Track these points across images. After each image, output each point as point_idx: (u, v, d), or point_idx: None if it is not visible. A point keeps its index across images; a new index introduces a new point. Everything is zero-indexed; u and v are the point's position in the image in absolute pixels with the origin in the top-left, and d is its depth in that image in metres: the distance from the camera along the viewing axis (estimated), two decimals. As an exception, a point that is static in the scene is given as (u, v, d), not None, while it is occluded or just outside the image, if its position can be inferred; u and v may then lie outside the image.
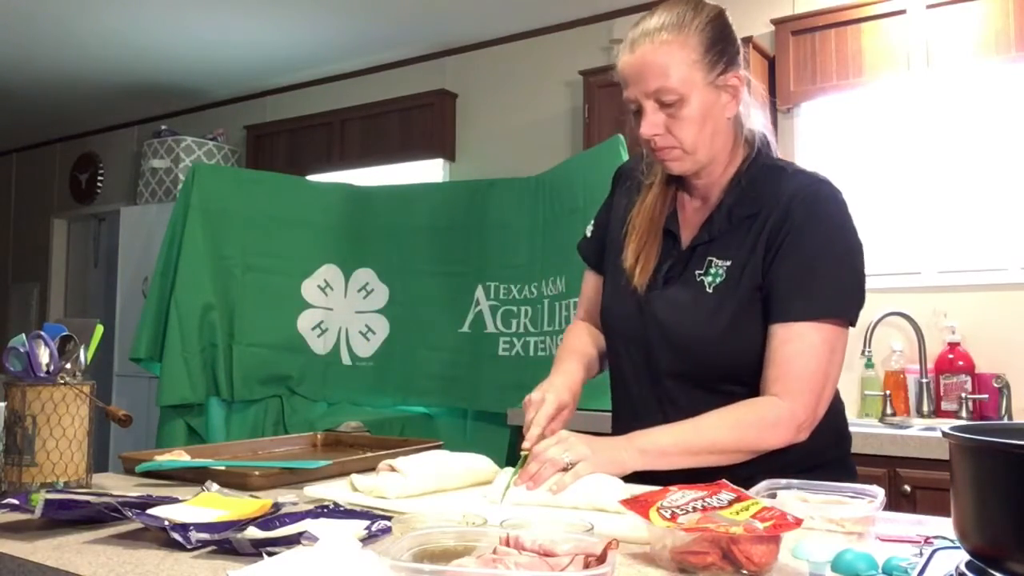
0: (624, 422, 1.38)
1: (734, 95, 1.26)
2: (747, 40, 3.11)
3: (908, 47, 2.83)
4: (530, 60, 4.05)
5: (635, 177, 1.44)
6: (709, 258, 1.28)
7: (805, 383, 1.21)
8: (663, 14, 1.24)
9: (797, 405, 1.20)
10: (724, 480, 0.98)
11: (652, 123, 1.24)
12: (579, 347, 1.47)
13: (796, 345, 1.21)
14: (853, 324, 1.26)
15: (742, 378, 1.27)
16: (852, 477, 1.35)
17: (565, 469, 1.16)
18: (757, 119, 1.32)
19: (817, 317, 1.21)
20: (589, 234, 1.53)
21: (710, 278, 1.27)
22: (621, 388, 1.42)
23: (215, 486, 1.20)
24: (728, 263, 1.27)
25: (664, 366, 1.32)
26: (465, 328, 3.54)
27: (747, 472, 1.18)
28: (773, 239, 1.24)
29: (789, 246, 1.23)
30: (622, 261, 1.37)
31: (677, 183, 1.37)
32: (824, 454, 1.30)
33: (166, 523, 0.96)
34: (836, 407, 1.35)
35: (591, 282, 1.52)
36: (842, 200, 1.29)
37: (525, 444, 1.24)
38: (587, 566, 0.75)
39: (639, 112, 1.26)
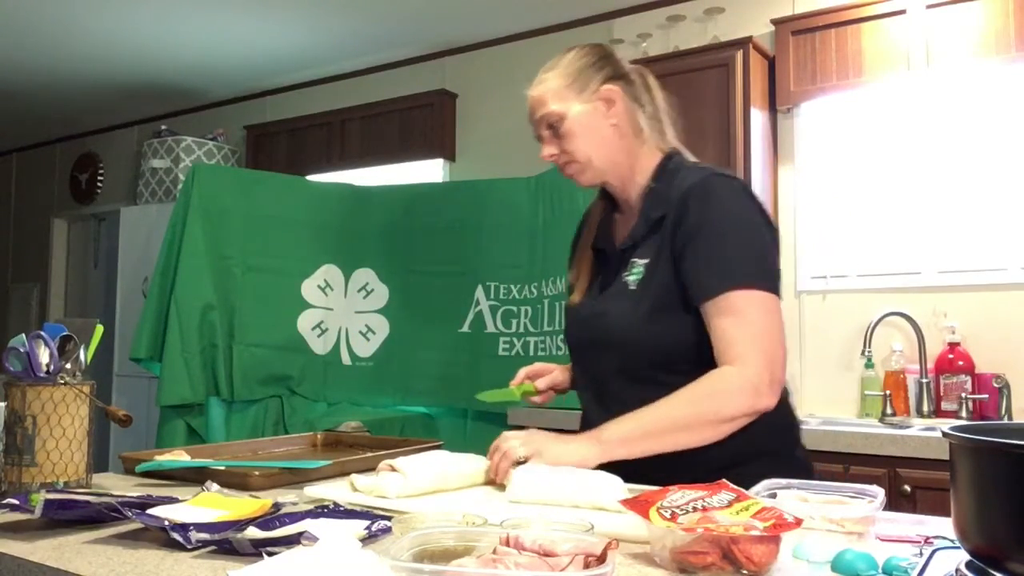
0: (584, 428, 1.45)
1: (610, 103, 1.42)
2: (747, 40, 3.11)
3: (908, 47, 2.83)
4: (530, 60, 4.02)
5: (589, 212, 1.60)
6: (632, 259, 1.41)
7: (750, 346, 1.26)
8: (545, 66, 1.46)
9: (748, 368, 1.25)
10: (724, 480, 0.98)
11: (547, 145, 1.44)
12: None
13: (728, 316, 1.28)
14: (775, 293, 1.31)
15: (677, 367, 1.32)
16: (803, 471, 1.34)
17: (520, 463, 1.24)
18: (667, 131, 1.48)
19: (736, 286, 1.28)
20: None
21: (632, 277, 1.38)
22: (580, 396, 1.52)
23: (215, 486, 1.20)
24: (646, 260, 1.38)
25: (604, 365, 1.41)
26: (465, 328, 3.54)
27: (696, 460, 1.24)
28: (676, 232, 1.34)
29: (692, 235, 1.32)
30: (569, 285, 1.55)
31: (610, 206, 1.52)
32: (767, 443, 1.33)
33: (166, 523, 0.96)
34: (781, 397, 1.37)
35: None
36: (736, 186, 1.38)
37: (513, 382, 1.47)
38: (587, 566, 0.75)
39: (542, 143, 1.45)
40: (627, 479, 1.18)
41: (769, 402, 1.26)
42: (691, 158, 1.46)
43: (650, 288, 1.35)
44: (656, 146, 1.46)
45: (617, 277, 1.42)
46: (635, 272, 1.38)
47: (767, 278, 1.30)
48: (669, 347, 1.33)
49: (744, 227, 1.33)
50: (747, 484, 1.10)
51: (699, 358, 1.30)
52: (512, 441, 1.27)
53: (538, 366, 1.58)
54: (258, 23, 4.04)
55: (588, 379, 1.48)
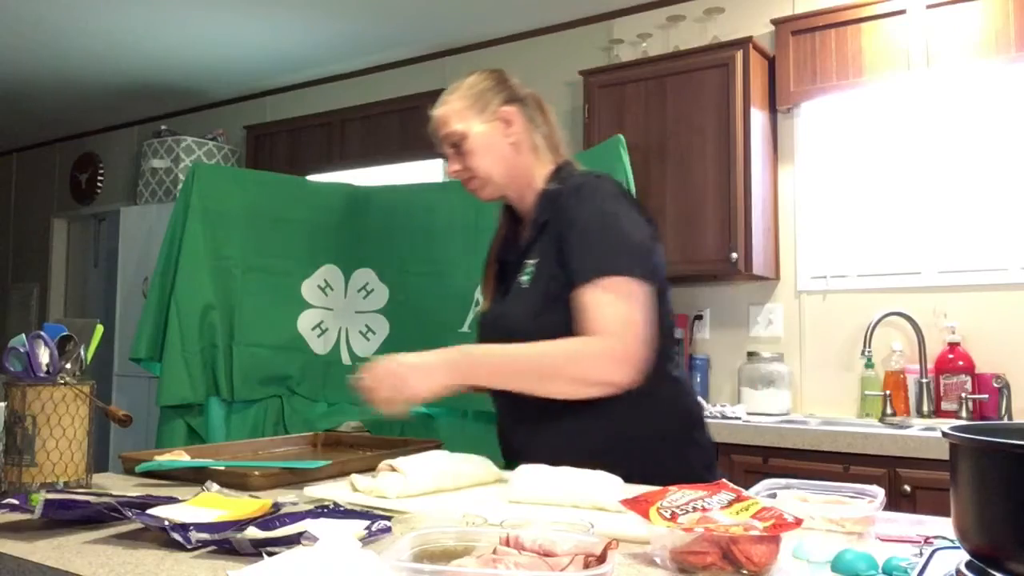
0: (500, 426, 1.61)
1: (508, 123, 1.55)
2: (747, 40, 3.11)
3: (908, 47, 2.83)
4: (530, 60, 4.05)
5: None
6: (525, 262, 1.52)
7: (610, 325, 1.36)
8: (447, 88, 1.61)
9: (609, 339, 1.35)
10: (724, 480, 0.98)
11: (451, 163, 1.57)
12: None
13: (591, 302, 1.38)
14: (644, 279, 1.40)
15: None
16: (705, 454, 1.51)
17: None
18: (558, 146, 1.62)
19: (598, 276, 1.38)
20: None
21: (525, 277, 1.50)
22: (493, 395, 1.60)
23: (215, 486, 1.20)
24: (536, 261, 1.49)
25: None
26: (465, 328, 3.53)
27: (581, 447, 1.36)
28: (556, 232, 1.46)
29: (566, 230, 1.44)
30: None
31: (515, 221, 1.63)
32: (662, 426, 1.45)
33: (166, 523, 0.96)
34: (682, 388, 1.52)
35: None
36: (605, 187, 1.49)
37: None
38: (587, 566, 0.75)
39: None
40: (516, 452, 1.37)
41: (625, 378, 1.34)
42: (580, 168, 1.58)
43: (540, 285, 1.47)
44: (550, 161, 1.58)
45: (514, 281, 1.53)
46: (527, 272, 1.49)
47: (632, 266, 1.40)
48: (562, 337, 1.41)
49: (610, 221, 1.43)
50: (643, 464, 1.32)
51: None
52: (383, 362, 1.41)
53: None
54: (258, 23, 4.04)
55: None
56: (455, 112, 1.55)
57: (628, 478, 1.24)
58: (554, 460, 1.25)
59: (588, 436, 1.40)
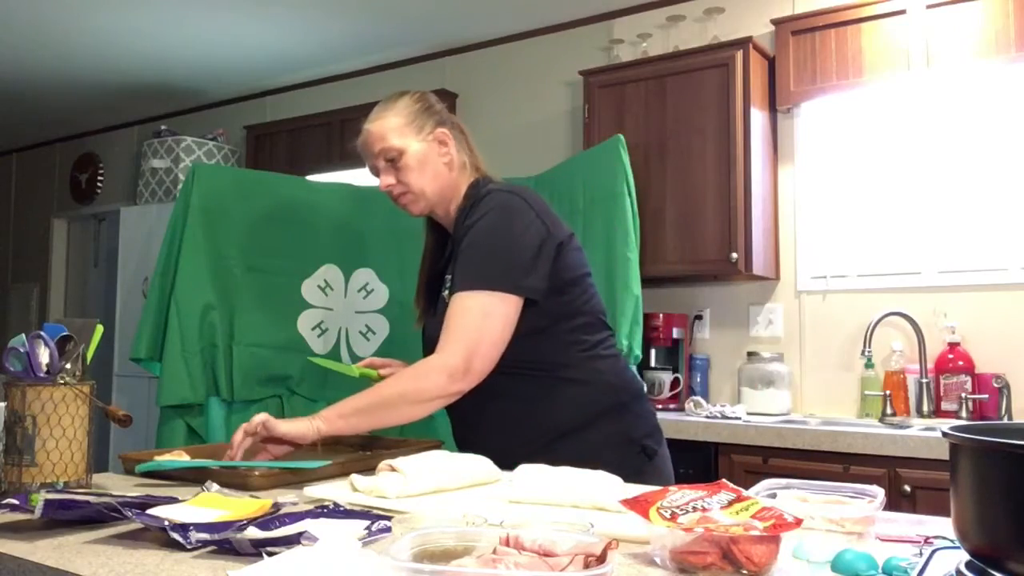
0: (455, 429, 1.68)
1: (443, 144, 1.64)
2: (747, 40, 3.11)
3: (908, 47, 2.83)
4: (530, 60, 4.05)
5: None
6: (445, 276, 1.62)
7: (456, 337, 1.46)
8: (378, 105, 1.67)
9: (447, 355, 1.45)
10: (724, 480, 0.98)
11: (384, 177, 1.64)
12: None
13: (451, 311, 1.49)
14: (514, 293, 1.48)
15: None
16: (649, 421, 1.63)
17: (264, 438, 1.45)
18: (477, 163, 1.69)
19: (466, 287, 1.48)
20: None
21: (446, 290, 1.59)
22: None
23: (215, 486, 1.20)
24: (451, 275, 1.57)
25: None
26: (465, 328, 3.53)
27: (513, 443, 1.48)
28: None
29: (459, 244, 1.55)
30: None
31: (442, 235, 1.71)
32: (589, 405, 1.55)
33: (166, 523, 0.96)
34: (612, 366, 1.61)
35: None
36: (497, 200, 1.55)
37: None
38: (587, 566, 0.75)
39: (378, 174, 1.65)
40: (476, 445, 1.45)
41: (463, 386, 1.46)
42: (495, 183, 1.64)
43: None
44: (471, 177, 1.66)
45: (440, 295, 1.63)
46: (448, 286, 1.59)
47: (500, 281, 1.47)
48: None
49: (493, 238, 1.51)
50: (586, 440, 1.50)
51: (514, 355, 1.49)
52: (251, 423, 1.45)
53: (381, 360, 1.80)
54: (258, 23, 4.04)
55: None
56: (393, 128, 1.61)
57: (580, 453, 1.36)
58: (501, 456, 1.37)
59: (526, 428, 1.53)
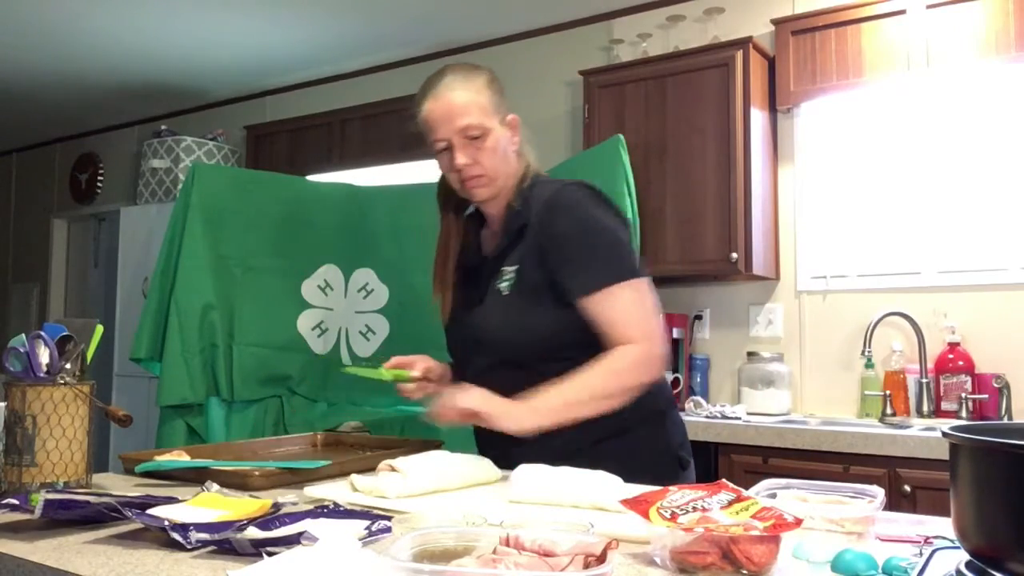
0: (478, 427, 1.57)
1: (515, 131, 1.58)
2: (747, 40, 3.11)
3: (908, 47, 2.83)
4: (530, 60, 4.05)
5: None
6: (502, 268, 1.54)
7: (640, 328, 1.44)
8: (453, 73, 1.54)
9: (645, 344, 1.43)
10: (724, 480, 0.98)
11: (465, 155, 1.51)
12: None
13: (608, 312, 1.44)
14: (642, 275, 1.48)
15: (556, 355, 1.47)
16: (681, 429, 1.60)
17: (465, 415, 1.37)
18: (533, 154, 1.63)
19: (605, 285, 1.44)
20: None
21: (504, 284, 1.52)
22: None
23: (215, 486, 1.20)
24: (515, 267, 1.52)
25: (490, 360, 1.52)
26: (465, 328, 3.53)
27: (568, 441, 1.39)
28: (538, 239, 1.50)
29: (554, 243, 1.48)
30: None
31: (473, 225, 1.66)
32: (646, 407, 1.49)
33: (166, 523, 0.96)
34: (656, 386, 1.53)
35: None
36: (583, 195, 1.52)
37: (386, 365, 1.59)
38: (587, 566, 0.75)
39: (448, 150, 1.53)
40: (531, 453, 1.33)
41: (659, 373, 1.46)
42: (542, 172, 1.61)
43: (522, 292, 1.50)
44: (525, 167, 1.61)
45: (490, 286, 1.55)
46: (506, 279, 1.52)
47: (629, 268, 1.46)
48: (546, 339, 1.48)
49: (598, 229, 1.48)
50: (627, 449, 1.46)
51: (575, 345, 1.45)
52: (455, 395, 1.39)
53: (407, 358, 1.67)
54: (258, 23, 4.04)
55: (478, 378, 1.52)
56: (479, 105, 1.51)
57: (619, 460, 1.34)
58: (540, 457, 1.29)
59: (568, 430, 1.42)
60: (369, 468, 1.35)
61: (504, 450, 1.44)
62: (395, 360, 1.64)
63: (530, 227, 1.51)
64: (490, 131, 1.51)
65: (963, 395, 2.76)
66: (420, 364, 1.64)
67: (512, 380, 1.44)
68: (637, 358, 1.43)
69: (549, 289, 1.47)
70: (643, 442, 1.51)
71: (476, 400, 1.38)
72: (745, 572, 0.83)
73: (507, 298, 1.51)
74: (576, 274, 1.46)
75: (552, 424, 1.38)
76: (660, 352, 1.45)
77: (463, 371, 1.61)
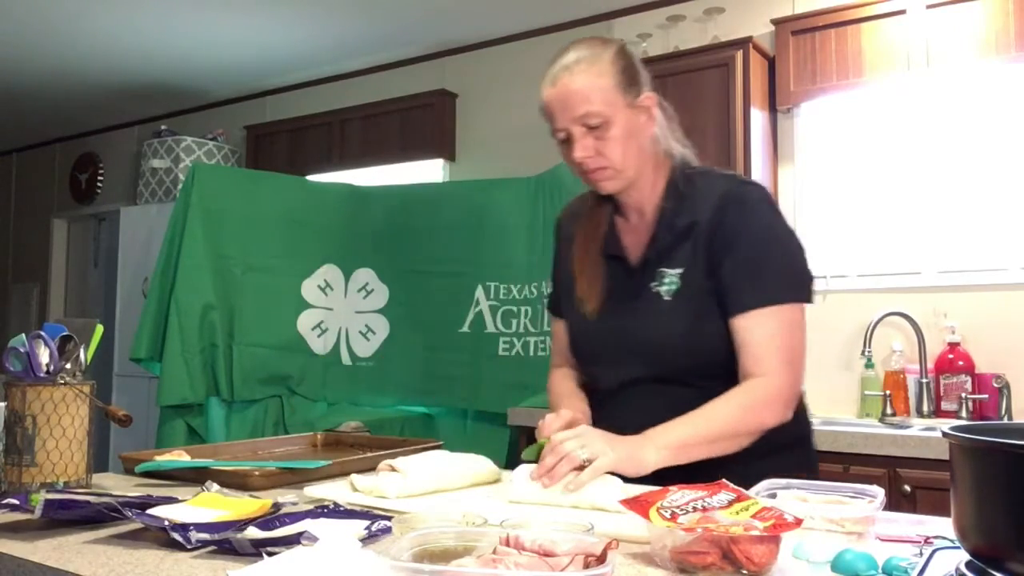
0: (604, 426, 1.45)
1: (650, 114, 1.37)
2: (747, 40, 3.11)
3: (908, 47, 2.83)
4: (530, 60, 4.04)
5: (571, 221, 1.54)
6: (660, 270, 1.37)
7: (780, 361, 1.30)
8: (576, 51, 1.35)
9: (781, 381, 1.30)
10: (724, 480, 0.98)
11: (583, 146, 1.33)
12: (568, 389, 1.54)
13: (761, 330, 1.30)
14: (808, 301, 1.36)
15: (715, 371, 1.34)
16: (813, 461, 1.45)
17: (582, 467, 1.17)
18: (674, 134, 1.43)
19: (770, 302, 1.31)
20: (549, 290, 1.63)
21: (665, 287, 1.36)
22: (603, 403, 1.46)
23: (215, 486, 1.20)
24: (680, 271, 1.36)
25: (640, 373, 1.38)
26: (465, 328, 3.54)
27: (726, 463, 1.24)
28: (712, 241, 1.34)
29: (729, 246, 1.33)
30: (575, 294, 1.46)
31: (611, 210, 1.46)
32: (787, 435, 1.35)
33: (166, 523, 0.96)
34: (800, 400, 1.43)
35: (559, 329, 1.58)
36: (769, 196, 1.39)
37: (543, 432, 1.30)
38: (587, 566, 0.75)
39: (568, 140, 1.35)
40: (668, 480, 1.12)
41: (791, 414, 1.31)
42: (696, 162, 1.44)
43: (688, 299, 1.34)
44: (668, 153, 1.42)
45: (641, 287, 1.38)
46: (668, 283, 1.36)
47: (799, 290, 1.34)
48: (710, 354, 1.34)
49: (780, 240, 1.35)
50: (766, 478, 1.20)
51: (733, 363, 1.32)
52: (571, 443, 1.19)
53: (561, 418, 1.35)
54: (258, 23, 4.04)
55: (616, 388, 1.42)
56: (600, 90, 1.31)
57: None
58: (674, 475, 1.16)
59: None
60: (369, 468, 1.35)
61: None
62: (553, 426, 1.32)
63: (699, 226, 1.35)
64: (614, 118, 1.31)
65: (963, 395, 2.75)
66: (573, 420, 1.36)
67: (662, 395, 1.34)
68: (772, 396, 1.29)
69: (714, 297, 1.33)
70: (782, 469, 1.24)
71: (592, 448, 1.19)
72: (745, 572, 0.83)
73: (670, 304, 1.35)
74: (737, 285, 1.31)
75: (674, 463, 1.24)
76: (796, 393, 1.32)
77: (600, 376, 1.47)
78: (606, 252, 1.45)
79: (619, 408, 1.41)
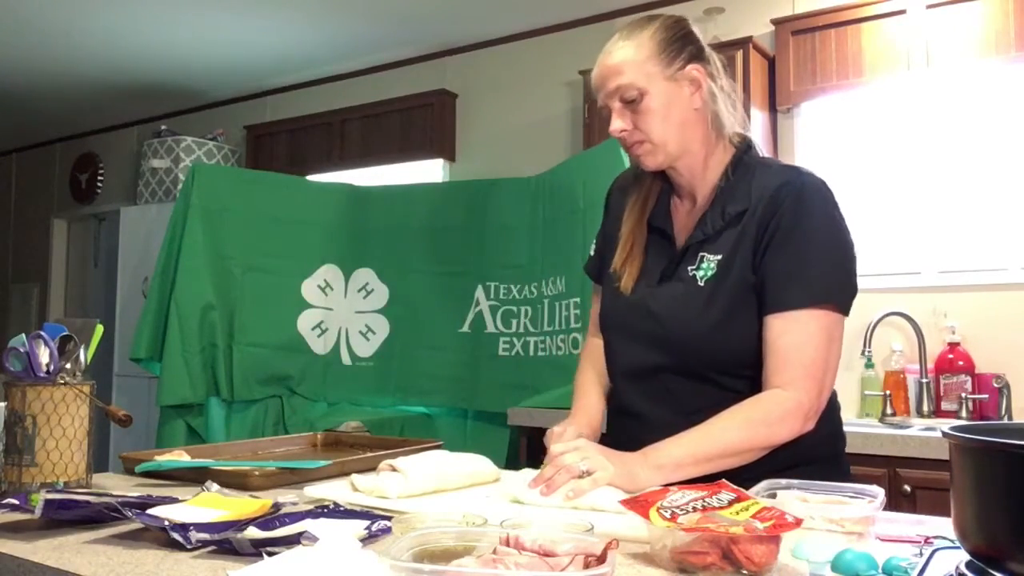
0: (622, 419, 1.41)
1: (696, 87, 1.31)
2: (747, 40, 3.11)
3: (908, 47, 2.83)
4: (530, 60, 4.05)
5: (625, 189, 1.49)
6: (701, 254, 1.31)
7: (806, 371, 1.21)
8: (620, 31, 1.34)
9: (801, 394, 1.21)
10: (724, 480, 0.98)
11: (618, 120, 1.31)
12: (587, 381, 1.50)
13: (794, 334, 1.22)
14: (846, 314, 1.28)
15: (739, 371, 1.28)
16: (845, 477, 1.34)
17: (580, 477, 1.16)
18: (738, 119, 1.37)
19: (811, 304, 1.23)
20: (592, 252, 1.56)
21: (701, 272, 1.30)
22: (620, 384, 1.42)
23: (215, 486, 1.20)
24: (719, 257, 1.29)
25: (661, 360, 1.33)
26: (465, 328, 3.54)
27: (743, 473, 1.18)
28: (763, 232, 1.27)
29: (780, 239, 1.25)
30: (613, 266, 1.41)
31: (666, 187, 1.41)
32: (816, 450, 1.29)
33: (166, 523, 0.96)
34: (832, 404, 1.35)
35: (597, 298, 1.53)
36: (830, 193, 1.30)
37: (550, 443, 1.28)
38: (587, 566, 0.75)
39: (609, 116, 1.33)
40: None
41: (810, 427, 1.23)
42: (760, 150, 1.39)
43: (724, 288, 1.27)
44: (728, 136, 1.36)
45: (680, 268, 1.32)
46: (705, 268, 1.30)
47: (843, 298, 1.26)
48: (736, 351, 1.27)
49: (835, 244, 1.27)
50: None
51: (760, 367, 1.26)
52: (571, 456, 1.18)
53: (562, 434, 1.35)
54: (258, 23, 4.04)
55: (635, 371, 1.38)
56: (635, 63, 1.28)
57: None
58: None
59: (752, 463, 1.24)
60: (369, 468, 1.35)
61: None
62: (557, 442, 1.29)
63: (750, 215, 1.28)
64: (650, 90, 1.28)
65: (963, 395, 2.75)
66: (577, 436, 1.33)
67: (680, 389, 1.30)
68: (788, 410, 1.20)
69: (753, 293, 1.26)
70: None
71: (591, 462, 1.16)
72: (745, 572, 0.83)
73: (702, 291, 1.28)
74: (779, 282, 1.24)
75: (677, 479, 1.16)
76: (818, 407, 1.22)
77: (620, 356, 1.40)
78: (652, 223, 1.39)
79: (634, 396, 1.38)
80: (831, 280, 1.25)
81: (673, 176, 1.38)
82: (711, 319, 1.27)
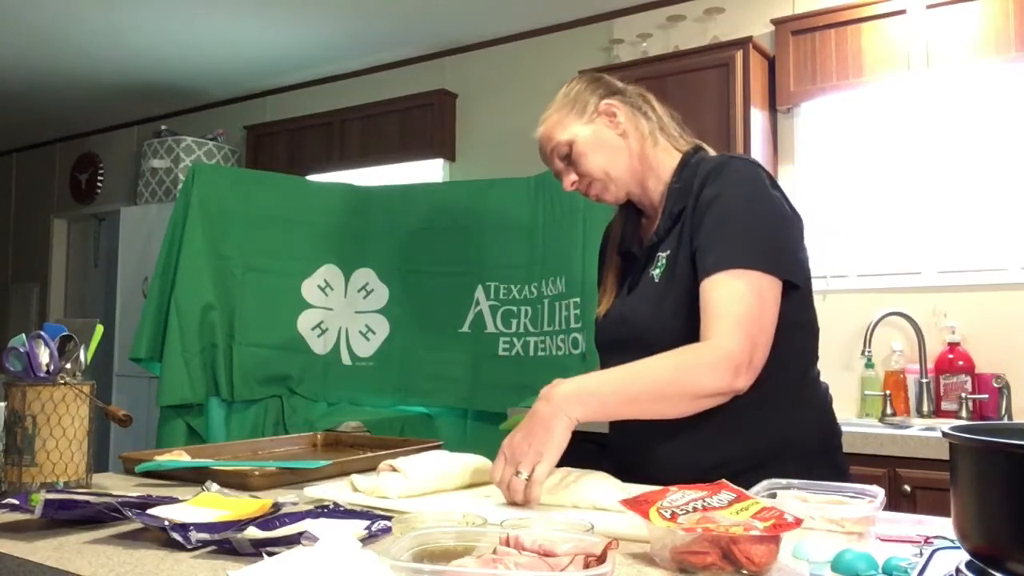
0: (617, 427, 1.46)
1: (611, 115, 1.43)
2: (747, 40, 3.11)
3: (908, 47, 2.83)
4: (530, 60, 4.05)
5: (608, 236, 1.60)
6: (656, 255, 1.39)
7: (735, 325, 1.21)
8: (547, 105, 1.48)
9: (732, 345, 1.20)
10: (724, 480, 0.98)
11: (567, 178, 1.45)
12: None
13: (720, 292, 1.24)
14: (788, 278, 1.28)
15: None
16: (843, 475, 1.34)
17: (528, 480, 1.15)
18: (664, 129, 1.46)
19: (736, 265, 1.25)
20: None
21: (657, 271, 1.37)
22: None
23: (215, 486, 1.20)
24: (667, 252, 1.37)
25: (635, 358, 1.31)
26: (465, 328, 3.54)
27: (725, 458, 1.25)
28: (691, 215, 1.34)
29: (702, 210, 1.31)
30: (598, 301, 1.53)
31: (631, 213, 1.51)
32: (803, 439, 1.33)
33: (166, 523, 0.96)
34: (820, 394, 1.40)
35: None
36: (753, 169, 1.35)
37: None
38: (587, 566, 0.75)
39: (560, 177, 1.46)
40: (669, 481, 1.05)
41: (744, 384, 1.21)
42: (713, 152, 1.45)
43: (674, 279, 1.33)
44: (672, 146, 1.45)
45: (643, 274, 1.41)
46: (660, 266, 1.36)
47: (772, 262, 1.26)
48: (695, 339, 1.26)
49: (759, 208, 1.31)
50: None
51: None
52: (503, 471, 1.17)
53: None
54: (258, 23, 4.04)
55: None
56: (556, 123, 1.43)
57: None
58: (683, 477, 1.07)
59: (720, 450, 1.28)
60: (369, 468, 1.35)
61: (640, 463, 1.34)
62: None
63: (687, 205, 1.35)
64: (575, 139, 1.41)
65: (963, 395, 2.76)
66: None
67: None
68: (718, 358, 1.20)
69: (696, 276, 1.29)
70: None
71: (543, 469, 1.15)
72: (745, 572, 0.83)
73: (660, 285, 1.35)
74: (704, 249, 1.27)
75: (606, 418, 1.23)
76: (749, 362, 1.20)
77: (608, 367, 1.43)
78: (620, 249, 1.51)
79: None
80: (754, 242, 1.27)
81: (636, 200, 1.48)
82: (667, 310, 1.33)
